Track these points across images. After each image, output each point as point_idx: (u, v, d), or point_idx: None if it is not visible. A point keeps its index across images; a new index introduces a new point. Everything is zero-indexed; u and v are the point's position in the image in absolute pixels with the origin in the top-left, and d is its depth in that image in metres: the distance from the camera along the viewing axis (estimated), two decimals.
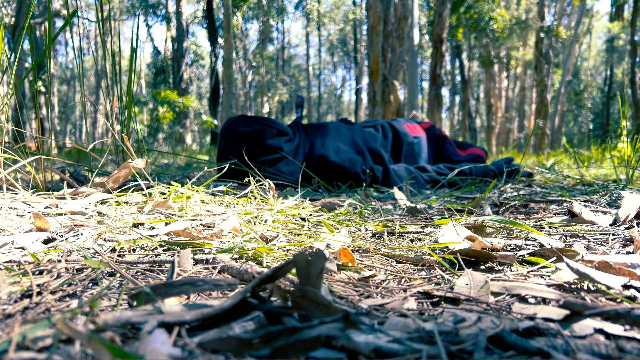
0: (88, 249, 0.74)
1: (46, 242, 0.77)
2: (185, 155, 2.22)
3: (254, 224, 0.99)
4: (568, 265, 0.58)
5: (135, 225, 0.92)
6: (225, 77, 7.36)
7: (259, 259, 0.72)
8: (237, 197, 1.31)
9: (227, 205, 1.20)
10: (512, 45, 16.52)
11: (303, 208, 1.19)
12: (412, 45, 8.18)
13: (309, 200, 1.45)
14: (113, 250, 0.74)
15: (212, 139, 11.47)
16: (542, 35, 14.12)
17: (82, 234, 0.82)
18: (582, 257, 0.70)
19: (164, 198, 1.18)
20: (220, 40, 11.87)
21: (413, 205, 1.33)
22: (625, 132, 2.28)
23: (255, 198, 1.28)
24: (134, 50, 1.60)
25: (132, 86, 1.59)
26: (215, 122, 10.22)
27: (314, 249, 0.78)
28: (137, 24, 1.67)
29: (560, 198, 1.40)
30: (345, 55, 30.82)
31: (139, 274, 0.62)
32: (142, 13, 20.92)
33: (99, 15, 1.55)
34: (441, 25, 8.39)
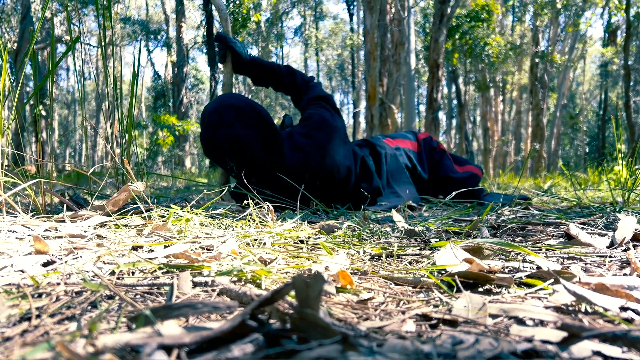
0: (87, 271, 0.74)
1: (45, 265, 0.77)
2: (184, 179, 2.23)
3: (253, 246, 0.99)
4: (565, 287, 0.59)
5: (134, 248, 0.92)
6: None
7: (258, 281, 0.72)
8: (236, 220, 1.31)
9: (225, 228, 1.20)
10: (507, 70, 16.79)
11: (302, 230, 1.19)
12: (409, 70, 8.32)
13: (308, 222, 1.45)
14: (112, 273, 0.74)
15: (210, 163, 11.51)
16: (536, 60, 14.39)
17: (81, 256, 0.83)
18: (579, 279, 0.70)
19: (163, 221, 1.19)
20: (220, 65, 12.03)
21: (411, 227, 1.33)
22: (620, 155, 2.31)
23: (254, 220, 1.29)
24: (135, 75, 1.63)
25: (133, 110, 1.61)
26: None
27: (313, 272, 0.78)
28: (139, 50, 1.71)
29: (557, 220, 1.41)
30: (343, 80, 31.21)
31: (138, 296, 0.63)
32: (143, 39, 21.27)
33: (102, 41, 1.58)
34: (437, 50, 8.54)
